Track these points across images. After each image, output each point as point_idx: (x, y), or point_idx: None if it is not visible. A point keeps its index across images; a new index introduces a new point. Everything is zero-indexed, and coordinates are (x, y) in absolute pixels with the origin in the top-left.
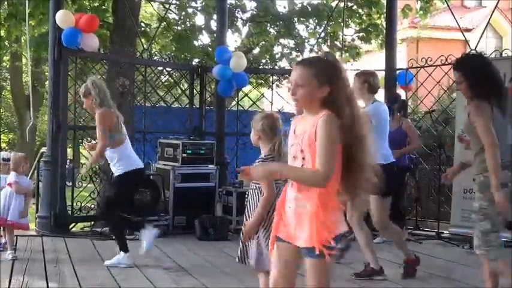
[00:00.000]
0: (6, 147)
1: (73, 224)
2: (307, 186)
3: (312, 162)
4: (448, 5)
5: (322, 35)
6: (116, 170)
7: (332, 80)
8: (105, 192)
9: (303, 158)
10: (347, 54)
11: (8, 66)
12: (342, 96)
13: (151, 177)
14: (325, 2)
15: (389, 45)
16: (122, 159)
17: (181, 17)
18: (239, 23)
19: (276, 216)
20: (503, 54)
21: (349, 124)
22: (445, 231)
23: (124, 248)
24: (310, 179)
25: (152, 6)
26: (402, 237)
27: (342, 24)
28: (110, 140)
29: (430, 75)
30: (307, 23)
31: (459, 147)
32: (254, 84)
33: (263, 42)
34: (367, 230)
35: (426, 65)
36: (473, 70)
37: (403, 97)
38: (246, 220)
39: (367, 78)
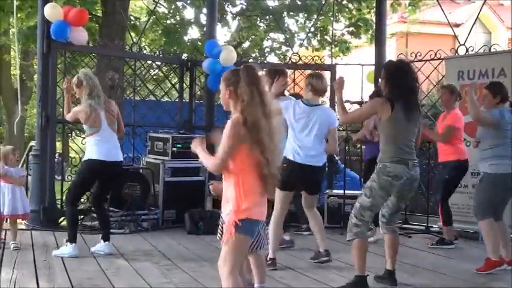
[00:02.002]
0: None
1: (62, 217)
2: (229, 175)
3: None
4: (437, 0)
5: (312, 29)
6: (85, 155)
7: (233, 84)
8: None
9: None
10: (337, 48)
11: None
12: (242, 98)
13: (141, 171)
14: None
15: (378, 40)
16: (89, 147)
17: (171, 11)
18: (229, 17)
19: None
20: (492, 49)
21: (252, 123)
22: (434, 226)
23: (72, 239)
24: (208, 165)
25: None
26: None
27: (331, 18)
28: (87, 130)
29: (419, 70)
30: (297, 18)
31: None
32: None
33: (253, 37)
34: (319, 216)
35: (415, 59)
36: (391, 71)
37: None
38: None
39: (309, 81)
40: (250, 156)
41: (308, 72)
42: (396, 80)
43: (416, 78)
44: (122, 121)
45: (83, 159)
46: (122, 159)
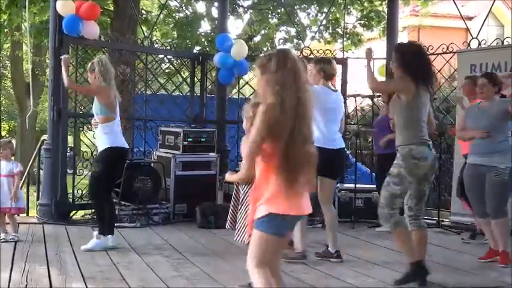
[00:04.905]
0: (7, 135)
1: (74, 211)
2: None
3: None
4: None
5: (324, 22)
6: (101, 144)
7: (265, 71)
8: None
9: None
10: (349, 41)
11: (8, 54)
12: (272, 85)
13: (152, 165)
14: None
15: (390, 34)
16: (109, 134)
17: (183, 4)
18: (240, 10)
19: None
20: (505, 43)
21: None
22: (445, 220)
23: (103, 231)
24: None
25: None
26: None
27: (343, 11)
28: (100, 115)
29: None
30: (309, 10)
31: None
32: None
33: (264, 30)
34: (333, 212)
35: (427, 53)
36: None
37: None
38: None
39: (321, 66)
40: None
41: None
42: (412, 60)
43: (428, 59)
44: None
45: (99, 149)
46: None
